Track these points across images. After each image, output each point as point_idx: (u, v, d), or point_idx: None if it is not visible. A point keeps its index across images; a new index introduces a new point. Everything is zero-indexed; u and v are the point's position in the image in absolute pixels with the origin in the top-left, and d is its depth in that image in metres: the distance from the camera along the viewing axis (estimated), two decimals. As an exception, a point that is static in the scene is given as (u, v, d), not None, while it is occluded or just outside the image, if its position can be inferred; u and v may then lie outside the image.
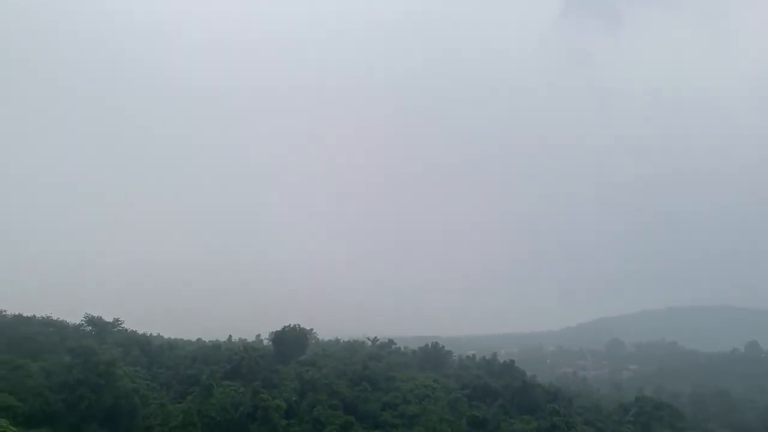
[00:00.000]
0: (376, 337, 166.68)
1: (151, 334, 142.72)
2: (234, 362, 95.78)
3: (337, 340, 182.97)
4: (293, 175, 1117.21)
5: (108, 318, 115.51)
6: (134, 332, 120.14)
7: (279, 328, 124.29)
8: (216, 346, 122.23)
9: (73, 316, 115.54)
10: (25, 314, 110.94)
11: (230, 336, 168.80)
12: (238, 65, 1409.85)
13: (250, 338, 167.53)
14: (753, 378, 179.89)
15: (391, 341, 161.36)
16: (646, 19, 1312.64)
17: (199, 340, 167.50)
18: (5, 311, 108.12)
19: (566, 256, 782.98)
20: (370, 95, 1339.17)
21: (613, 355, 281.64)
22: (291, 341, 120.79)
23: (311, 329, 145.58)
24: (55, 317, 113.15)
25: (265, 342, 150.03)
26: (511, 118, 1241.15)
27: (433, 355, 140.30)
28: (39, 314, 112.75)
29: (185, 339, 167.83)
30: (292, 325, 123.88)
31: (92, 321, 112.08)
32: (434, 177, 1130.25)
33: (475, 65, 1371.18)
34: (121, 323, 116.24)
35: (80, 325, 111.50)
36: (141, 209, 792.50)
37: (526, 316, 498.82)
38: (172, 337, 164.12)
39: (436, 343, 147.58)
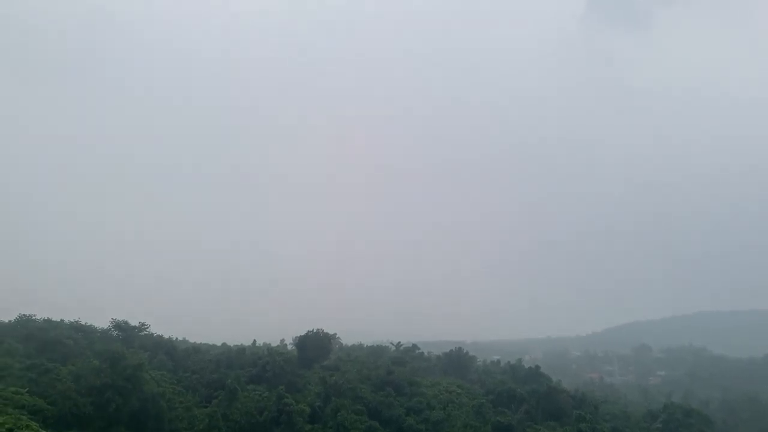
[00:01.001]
0: (399, 342, 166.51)
1: (176, 338, 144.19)
2: (258, 366, 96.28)
3: (361, 345, 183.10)
4: (307, 178, 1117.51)
5: (134, 322, 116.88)
6: (160, 336, 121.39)
7: (303, 333, 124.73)
8: (240, 350, 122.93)
9: (99, 320, 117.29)
10: (54, 319, 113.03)
11: (254, 340, 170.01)
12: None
13: (274, 343, 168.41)
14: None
15: (414, 346, 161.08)
16: (669, 20, 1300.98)
17: (223, 344, 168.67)
18: (35, 315, 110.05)
19: (593, 260, 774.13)
20: (380, 94, 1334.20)
21: (641, 361, 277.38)
22: (314, 346, 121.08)
23: (335, 334, 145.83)
24: (83, 322, 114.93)
25: (289, 347, 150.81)
26: (531, 117, 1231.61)
27: (456, 360, 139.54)
28: (67, 319, 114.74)
29: (210, 343, 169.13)
30: (315, 330, 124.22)
31: (119, 326, 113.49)
32: (455, 176, 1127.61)
33: (495, 63, 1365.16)
34: (147, 327, 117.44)
35: (107, 329, 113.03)
36: (162, 214, 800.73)
37: (552, 320, 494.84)
38: (197, 341, 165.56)
39: (460, 348, 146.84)
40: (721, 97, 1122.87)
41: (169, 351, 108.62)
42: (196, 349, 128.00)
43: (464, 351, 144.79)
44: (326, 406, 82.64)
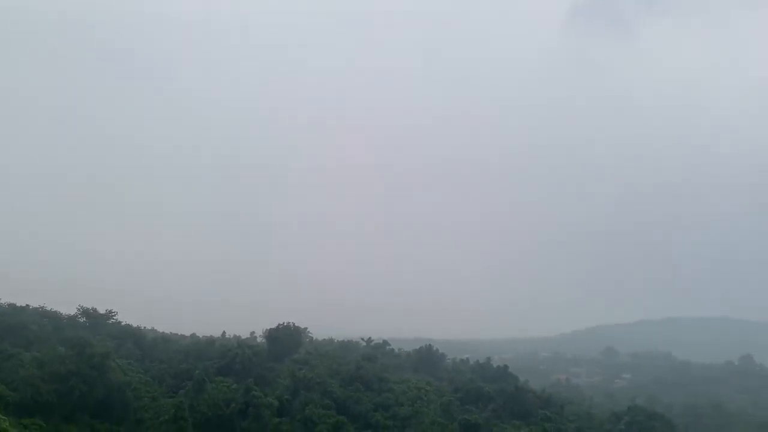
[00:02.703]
0: (370, 338, 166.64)
1: (145, 327, 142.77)
2: (227, 358, 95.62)
3: (332, 340, 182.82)
4: (288, 174, 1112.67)
5: (102, 310, 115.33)
6: (128, 325, 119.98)
7: (273, 326, 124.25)
8: (210, 341, 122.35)
9: (67, 307, 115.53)
10: (18, 304, 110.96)
11: (224, 332, 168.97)
12: (239, 65, 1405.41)
13: (244, 335, 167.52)
14: (746, 391, 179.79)
15: (385, 342, 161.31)
16: (653, 28, 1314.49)
17: (193, 335, 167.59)
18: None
19: (564, 263, 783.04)
20: (369, 96, 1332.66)
21: (608, 364, 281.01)
22: (285, 339, 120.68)
23: (305, 328, 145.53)
24: (49, 308, 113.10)
25: (259, 339, 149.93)
26: (516, 123, 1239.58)
27: (427, 357, 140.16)
28: (33, 304, 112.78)
29: (179, 333, 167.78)
30: (286, 323, 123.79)
31: (86, 313, 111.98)
32: (433, 178, 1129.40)
33: (479, 69, 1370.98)
34: (115, 315, 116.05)
35: (74, 316, 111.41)
36: (138, 206, 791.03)
37: (522, 321, 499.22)
38: (166, 331, 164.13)
39: (431, 345, 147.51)
40: (704, 102, 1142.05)
41: (137, 340, 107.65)
42: (165, 339, 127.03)
43: (435, 349, 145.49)
44: (294, 399, 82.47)
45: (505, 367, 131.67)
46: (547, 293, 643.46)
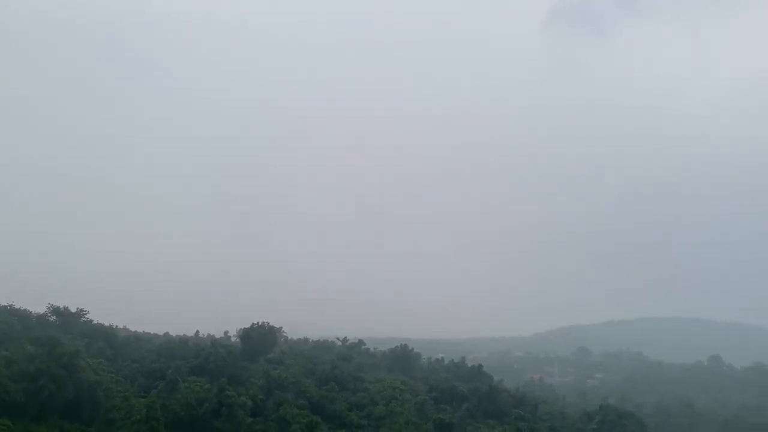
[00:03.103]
0: (345, 338, 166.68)
1: (116, 326, 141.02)
2: (201, 358, 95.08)
3: (307, 340, 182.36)
4: (270, 171, 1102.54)
5: (73, 308, 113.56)
6: (100, 324, 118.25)
7: (248, 325, 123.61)
8: (183, 340, 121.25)
9: (37, 306, 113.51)
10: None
11: (197, 331, 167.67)
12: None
13: (218, 334, 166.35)
14: (715, 390, 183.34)
15: (360, 342, 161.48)
16: (629, 32, 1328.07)
17: (166, 334, 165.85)
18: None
19: (538, 264, 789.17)
20: (344, 102, 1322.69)
21: (580, 364, 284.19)
22: (259, 339, 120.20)
23: (280, 327, 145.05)
24: (18, 306, 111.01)
25: (233, 339, 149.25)
26: (492, 125, 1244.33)
27: (402, 357, 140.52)
28: (1, 302, 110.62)
29: (152, 332, 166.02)
30: (260, 323, 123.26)
31: (57, 311, 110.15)
32: (407, 178, 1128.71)
33: (456, 72, 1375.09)
34: (86, 314, 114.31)
35: (44, 314, 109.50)
36: (113, 203, 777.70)
37: (497, 321, 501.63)
38: (139, 330, 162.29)
39: (406, 345, 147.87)
40: (676, 107, 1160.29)
41: (108, 339, 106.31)
42: (137, 338, 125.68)
43: (410, 348, 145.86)
44: (269, 399, 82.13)
45: (480, 366, 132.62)
46: (522, 293, 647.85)
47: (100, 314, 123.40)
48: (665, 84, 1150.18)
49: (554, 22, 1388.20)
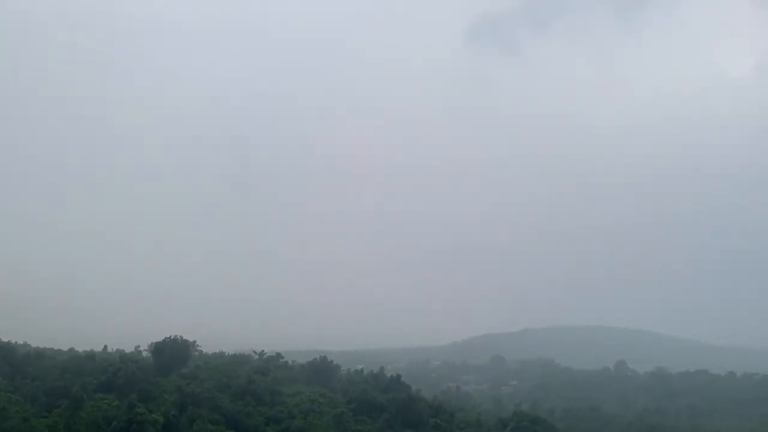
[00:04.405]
0: (263, 351, 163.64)
1: (16, 342, 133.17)
2: (109, 373, 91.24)
3: (222, 353, 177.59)
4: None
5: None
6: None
7: (160, 339, 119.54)
8: (90, 356, 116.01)
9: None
10: None
11: (105, 346, 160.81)
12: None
13: (128, 349, 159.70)
14: (621, 394, 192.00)
15: (278, 355, 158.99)
16: (543, 51, 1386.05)
17: (71, 349, 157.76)
18: None
19: (453, 273, 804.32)
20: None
21: (495, 371, 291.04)
22: (172, 353, 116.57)
23: (194, 341, 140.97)
24: None
25: (144, 353, 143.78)
26: (409, 137, 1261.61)
27: (321, 368, 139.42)
28: None
29: (55, 348, 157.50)
30: (173, 336, 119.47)
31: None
32: (315, 181, 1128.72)
33: (375, 89, 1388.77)
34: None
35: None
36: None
37: (415, 330, 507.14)
38: (41, 345, 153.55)
39: (325, 356, 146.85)
40: (584, 123, 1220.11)
41: (5, 355, 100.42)
42: (39, 354, 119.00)
43: (329, 360, 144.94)
44: (182, 415, 79.33)
45: (398, 376, 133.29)
46: (439, 302, 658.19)
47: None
48: (573, 100, 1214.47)
49: (471, 41, 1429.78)
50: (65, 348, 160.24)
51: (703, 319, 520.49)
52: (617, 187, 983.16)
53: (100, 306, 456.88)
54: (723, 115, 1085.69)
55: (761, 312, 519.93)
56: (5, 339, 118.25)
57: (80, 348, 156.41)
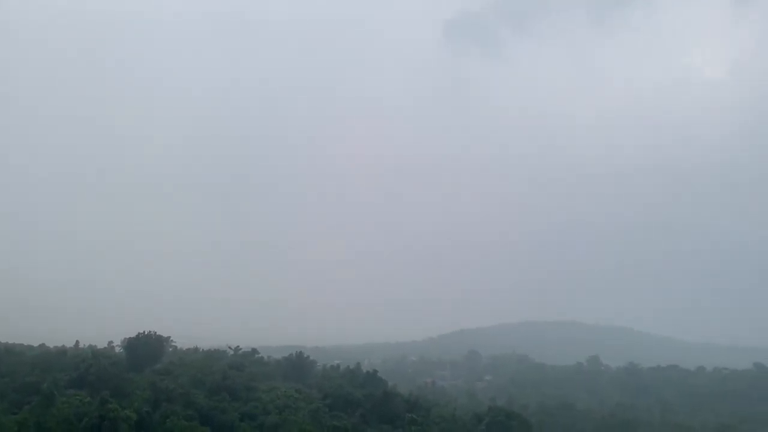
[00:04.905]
0: (238, 346, 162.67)
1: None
2: (80, 370, 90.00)
3: (197, 349, 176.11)
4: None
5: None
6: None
7: (133, 335, 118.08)
8: (61, 352, 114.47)
9: None
10: None
11: (77, 342, 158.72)
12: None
13: (101, 345, 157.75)
14: (593, 389, 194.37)
15: (254, 350, 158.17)
16: (521, 50, 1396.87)
17: (42, 345, 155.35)
18: None
19: (429, 269, 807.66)
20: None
21: (470, 366, 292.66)
22: (145, 349, 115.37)
23: (168, 337, 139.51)
24: None
25: (117, 349, 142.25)
26: (383, 135, 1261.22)
27: (297, 364, 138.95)
28: None
29: (25, 344, 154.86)
30: (147, 332, 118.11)
31: None
32: (293, 181, 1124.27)
33: (354, 83, 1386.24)
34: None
35: None
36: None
37: (391, 326, 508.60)
38: (10, 341, 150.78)
39: (301, 352, 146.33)
40: (560, 119, 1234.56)
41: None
42: (8, 350, 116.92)
43: (305, 355, 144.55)
44: (155, 412, 78.45)
45: (375, 372, 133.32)
46: (415, 298, 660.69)
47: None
48: (550, 97, 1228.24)
49: (449, 38, 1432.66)
50: (35, 344, 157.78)
51: (676, 315, 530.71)
52: (592, 185, 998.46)
53: (71, 301, 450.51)
54: (698, 114, 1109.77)
55: (732, 309, 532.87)
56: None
57: (51, 344, 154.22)
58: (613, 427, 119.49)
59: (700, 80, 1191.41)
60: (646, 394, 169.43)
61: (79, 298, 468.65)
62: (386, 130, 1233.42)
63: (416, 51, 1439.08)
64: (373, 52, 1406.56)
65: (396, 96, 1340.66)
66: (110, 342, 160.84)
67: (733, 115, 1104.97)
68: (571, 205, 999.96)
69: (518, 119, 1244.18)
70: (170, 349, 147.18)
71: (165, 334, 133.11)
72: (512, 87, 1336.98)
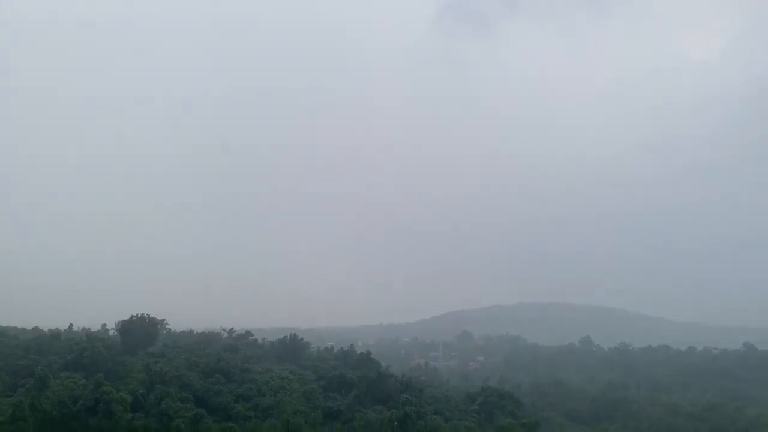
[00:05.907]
0: (232, 329, 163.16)
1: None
2: (75, 353, 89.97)
3: (191, 332, 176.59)
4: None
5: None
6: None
7: (127, 318, 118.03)
8: (55, 335, 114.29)
9: None
10: None
11: (71, 325, 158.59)
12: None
13: (95, 328, 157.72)
14: (585, 369, 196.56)
15: (248, 333, 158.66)
16: (513, 31, 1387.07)
17: (35, 328, 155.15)
18: None
19: (424, 252, 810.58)
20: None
21: (463, 347, 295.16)
22: (140, 332, 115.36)
23: (163, 320, 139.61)
24: None
25: (112, 332, 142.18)
26: (376, 118, 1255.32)
27: (291, 346, 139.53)
28: None
29: (19, 327, 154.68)
30: (141, 315, 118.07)
31: None
32: (294, 175, 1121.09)
33: (346, 65, 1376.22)
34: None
35: None
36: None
37: (386, 308, 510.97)
38: (3, 324, 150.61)
39: (295, 334, 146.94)
40: (552, 97, 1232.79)
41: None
42: (2, 333, 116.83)
43: (299, 338, 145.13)
44: (150, 394, 78.69)
45: (368, 353, 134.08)
46: (408, 280, 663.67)
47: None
48: (542, 80, 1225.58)
49: (442, 19, 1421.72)
50: (29, 327, 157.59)
51: (666, 296, 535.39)
52: (585, 166, 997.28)
53: (65, 284, 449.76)
54: (688, 96, 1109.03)
55: (721, 291, 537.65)
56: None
57: (45, 327, 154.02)
58: (604, 405, 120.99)
59: (691, 62, 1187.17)
60: (636, 374, 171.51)
61: (72, 280, 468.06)
62: (378, 120, 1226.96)
63: (407, 32, 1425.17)
64: (362, 30, 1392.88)
65: (385, 76, 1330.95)
66: (104, 325, 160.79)
67: (726, 97, 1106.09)
68: (562, 187, 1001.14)
69: (509, 101, 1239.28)
70: (164, 332, 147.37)
71: (159, 317, 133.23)
72: (504, 68, 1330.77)
